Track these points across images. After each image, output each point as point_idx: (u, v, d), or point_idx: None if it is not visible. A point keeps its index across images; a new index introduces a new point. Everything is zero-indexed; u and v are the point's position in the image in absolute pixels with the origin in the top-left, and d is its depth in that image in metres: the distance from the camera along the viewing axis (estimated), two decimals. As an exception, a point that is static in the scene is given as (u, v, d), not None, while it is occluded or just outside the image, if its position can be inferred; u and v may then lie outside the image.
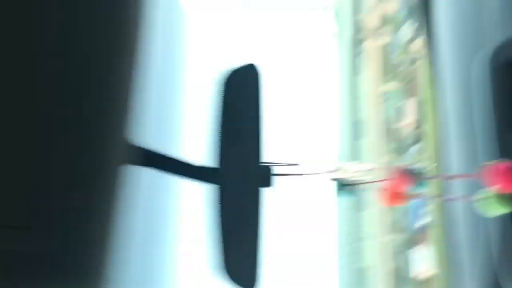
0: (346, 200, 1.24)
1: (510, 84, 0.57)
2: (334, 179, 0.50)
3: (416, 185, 0.49)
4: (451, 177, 0.57)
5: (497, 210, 0.47)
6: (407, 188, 0.47)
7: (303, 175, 0.48)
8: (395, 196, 0.49)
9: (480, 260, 0.60)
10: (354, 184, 0.49)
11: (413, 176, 0.46)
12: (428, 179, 0.52)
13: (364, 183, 0.48)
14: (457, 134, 0.81)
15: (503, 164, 0.54)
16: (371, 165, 0.53)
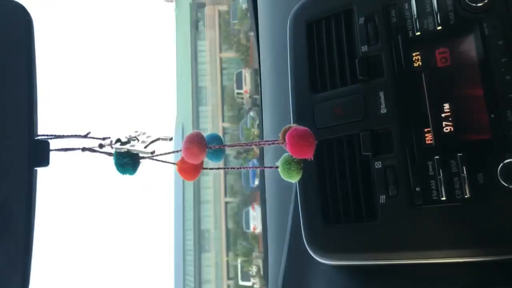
0: (126, 174, 0.51)
1: (309, 45, 0.54)
2: (117, 151, 0.39)
3: (212, 154, 0.41)
4: (251, 145, 0.44)
5: (293, 176, 0.47)
6: (200, 158, 0.39)
7: (85, 149, 0.39)
8: (187, 167, 0.40)
9: (291, 221, 0.59)
10: (137, 156, 0.40)
11: (207, 144, 0.38)
12: (227, 147, 0.42)
13: (150, 154, 0.39)
14: (271, 98, 0.74)
15: (295, 128, 0.46)
16: (163, 135, 0.38)
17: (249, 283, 12.64)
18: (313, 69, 0.55)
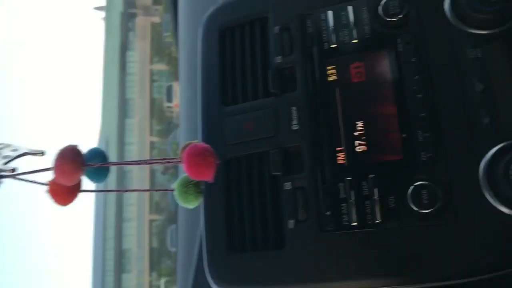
0: None
1: (222, 53, 0.50)
2: None
3: (93, 174, 0.34)
4: (139, 163, 0.35)
5: (190, 201, 0.36)
6: (74, 178, 0.32)
7: None
8: (60, 190, 0.33)
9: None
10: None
11: (84, 162, 0.32)
12: (111, 165, 0.34)
13: (12, 172, 0.32)
14: (186, 111, 0.69)
15: (193, 145, 0.38)
16: (33, 149, 0.32)
17: (172, 304, 12.19)
18: (225, 79, 0.51)
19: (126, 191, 0.38)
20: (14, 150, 0.35)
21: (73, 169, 0.34)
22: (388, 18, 0.44)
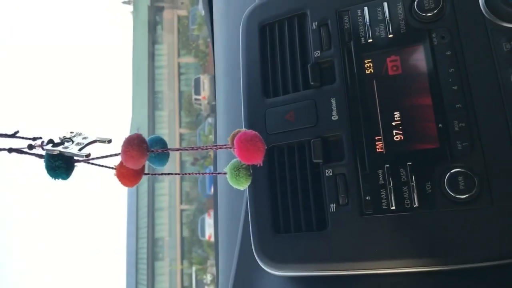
0: (59, 179, 0.35)
1: (262, 48, 0.53)
2: (48, 153, 0.34)
3: (155, 159, 0.38)
4: (197, 149, 0.36)
5: (241, 183, 0.38)
6: (140, 162, 0.35)
7: (12, 150, 0.35)
8: (127, 173, 0.37)
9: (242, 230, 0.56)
10: (71, 159, 0.35)
11: (148, 148, 0.35)
12: (171, 151, 0.37)
13: (85, 158, 0.34)
14: (225, 102, 0.71)
15: (244, 132, 0.44)
16: (101, 137, 0.35)
17: (203, 292, 12.41)
18: (266, 73, 0.54)
19: (184, 174, 0.42)
20: (85, 137, 0.38)
21: (139, 155, 0.36)
22: (423, 13, 0.46)
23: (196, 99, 13.94)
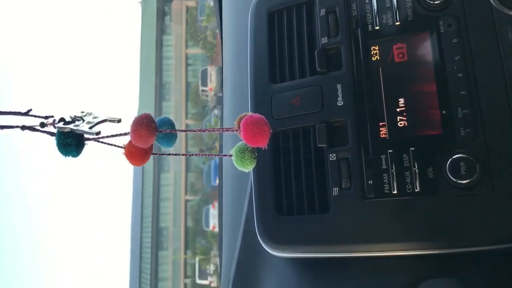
0: (69, 156, 0.37)
1: (270, 34, 0.54)
2: (59, 130, 0.35)
3: (163, 139, 0.38)
4: (204, 130, 0.40)
5: (246, 165, 0.42)
6: (149, 141, 0.35)
7: (25, 127, 0.35)
8: (135, 152, 0.38)
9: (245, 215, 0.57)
10: (82, 137, 0.36)
11: (157, 128, 0.35)
12: (178, 132, 0.37)
13: (95, 136, 0.35)
14: (232, 88, 0.72)
15: (250, 116, 0.43)
16: (111, 116, 0.36)
17: (206, 282, 12.51)
18: (273, 59, 0.54)
19: (191, 155, 0.43)
20: (95, 117, 0.39)
21: (148, 134, 0.36)
22: (431, 0, 0.46)
23: (203, 91, 13.93)
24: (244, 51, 0.59)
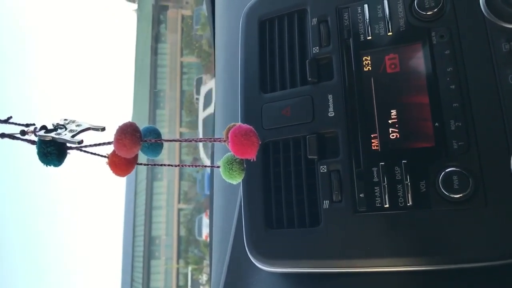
0: (51, 166, 0.35)
1: (261, 43, 0.53)
2: (40, 139, 0.34)
3: (148, 149, 0.37)
4: (191, 140, 0.37)
5: (234, 177, 0.37)
6: (132, 151, 0.34)
7: (5, 135, 0.34)
8: (119, 161, 0.36)
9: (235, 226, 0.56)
10: (64, 146, 0.34)
11: (141, 137, 0.34)
12: (164, 142, 0.36)
13: (78, 145, 0.34)
14: (223, 98, 0.71)
15: (238, 126, 0.44)
16: (95, 125, 0.35)
17: (198, 292, 12.37)
18: (264, 68, 0.54)
19: (178, 165, 0.42)
20: (78, 125, 0.38)
21: (132, 143, 0.35)
22: (423, 11, 0.46)
23: (197, 99, 13.94)
24: (235, 58, 0.58)
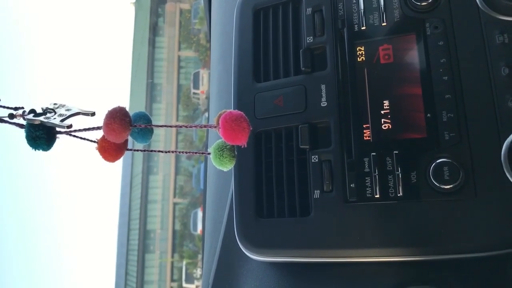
0: (39, 150, 0.35)
1: (255, 32, 0.53)
2: (29, 122, 0.34)
3: (138, 134, 0.36)
4: (181, 126, 0.36)
5: (225, 163, 0.37)
6: (122, 136, 0.34)
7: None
8: (108, 146, 0.36)
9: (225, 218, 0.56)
10: (53, 130, 0.34)
11: (131, 123, 0.34)
12: (155, 127, 0.36)
13: (67, 129, 0.33)
14: (218, 87, 0.71)
15: (229, 112, 0.42)
16: (84, 109, 0.34)
17: (193, 286, 12.43)
18: (257, 57, 0.53)
19: (168, 151, 0.41)
20: (68, 109, 0.37)
21: (121, 128, 0.35)
22: (418, 2, 0.46)
23: (194, 93, 13.88)
24: (230, 49, 0.58)
